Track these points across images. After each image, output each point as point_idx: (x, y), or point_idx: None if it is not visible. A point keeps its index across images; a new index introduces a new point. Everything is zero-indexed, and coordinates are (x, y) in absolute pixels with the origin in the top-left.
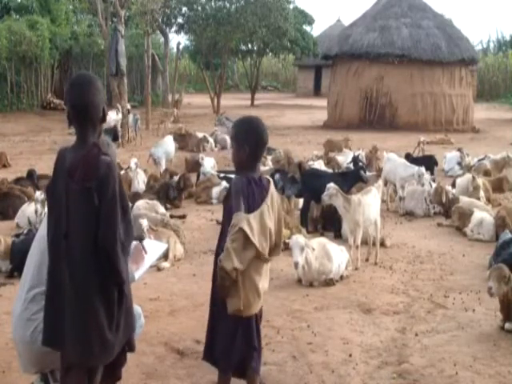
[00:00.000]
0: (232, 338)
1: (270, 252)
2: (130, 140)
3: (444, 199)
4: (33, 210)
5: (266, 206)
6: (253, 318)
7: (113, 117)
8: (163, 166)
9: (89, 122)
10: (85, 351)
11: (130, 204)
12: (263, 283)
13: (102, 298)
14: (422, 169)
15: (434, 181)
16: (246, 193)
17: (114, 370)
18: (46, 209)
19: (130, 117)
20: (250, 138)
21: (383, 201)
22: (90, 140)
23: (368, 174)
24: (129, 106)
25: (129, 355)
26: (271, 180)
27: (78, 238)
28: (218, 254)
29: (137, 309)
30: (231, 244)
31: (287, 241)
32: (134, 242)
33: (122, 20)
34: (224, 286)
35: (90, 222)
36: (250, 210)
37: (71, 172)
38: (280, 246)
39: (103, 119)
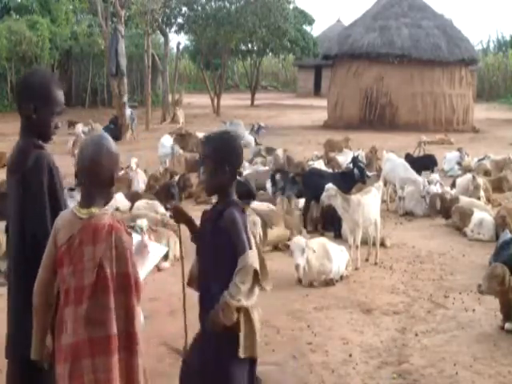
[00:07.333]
0: None
1: None
2: (131, 140)
3: (438, 207)
4: None
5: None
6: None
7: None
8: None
9: (22, 116)
10: (21, 342)
11: (130, 204)
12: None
13: None
14: (426, 181)
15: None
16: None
17: None
18: None
19: (128, 111)
20: (230, 156)
21: (383, 201)
22: (25, 133)
23: (369, 174)
24: (125, 99)
25: None
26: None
27: (15, 228)
28: (207, 281)
29: None
30: (243, 286)
31: (287, 242)
32: (138, 239)
33: (122, 20)
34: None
35: (21, 212)
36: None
37: (7, 165)
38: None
39: (30, 116)
